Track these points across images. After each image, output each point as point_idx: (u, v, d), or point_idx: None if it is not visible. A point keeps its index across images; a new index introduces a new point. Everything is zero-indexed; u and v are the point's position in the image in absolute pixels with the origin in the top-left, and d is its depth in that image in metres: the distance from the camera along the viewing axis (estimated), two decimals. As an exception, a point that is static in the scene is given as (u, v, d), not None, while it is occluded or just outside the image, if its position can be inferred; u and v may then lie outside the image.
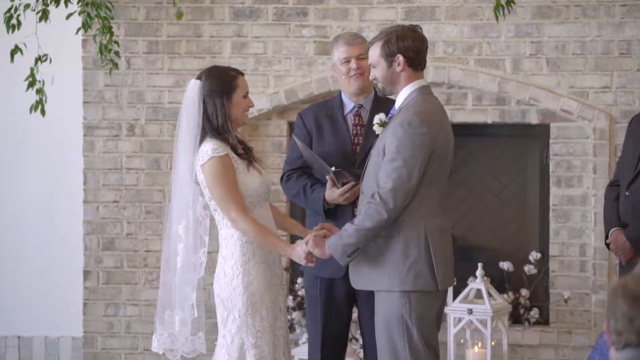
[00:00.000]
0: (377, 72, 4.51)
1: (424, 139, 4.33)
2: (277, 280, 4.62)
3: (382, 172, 4.35)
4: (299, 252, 4.49)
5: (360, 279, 4.51)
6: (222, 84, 4.54)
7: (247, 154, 4.60)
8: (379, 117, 4.64)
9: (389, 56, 4.45)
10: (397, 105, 4.52)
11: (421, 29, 4.56)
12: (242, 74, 4.64)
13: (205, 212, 4.62)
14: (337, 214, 4.95)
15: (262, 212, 4.61)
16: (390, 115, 4.60)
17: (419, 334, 4.40)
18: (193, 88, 4.56)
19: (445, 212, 4.56)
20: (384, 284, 4.42)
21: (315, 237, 4.50)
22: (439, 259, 4.41)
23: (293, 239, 5.93)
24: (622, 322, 2.80)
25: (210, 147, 4.48)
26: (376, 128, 4.63)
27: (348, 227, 4.38)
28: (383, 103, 5.08)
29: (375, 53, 4.49)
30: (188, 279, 4.61)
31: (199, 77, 4.61)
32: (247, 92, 4.64)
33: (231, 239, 4.53)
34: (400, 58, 4.44)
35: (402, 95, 4.48)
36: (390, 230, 4.39)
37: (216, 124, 4.52)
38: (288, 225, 4.94)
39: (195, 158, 4.52)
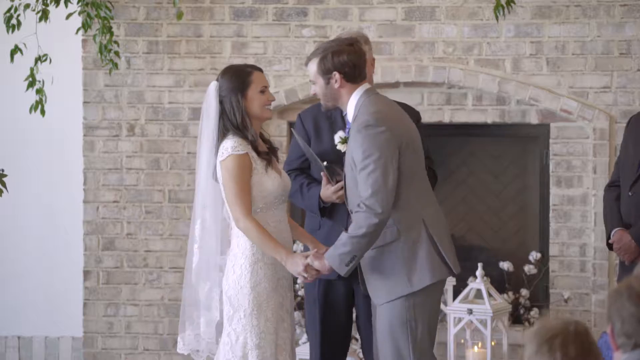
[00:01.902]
0: (317, 88, 4.50)
1: (385, 137, 4.32)
2: (285, 282, 4.59)
3: (359, 183, 4.34)
4: (297, 261, 4.44)
5: (376, 293, 4.49)
6: (235, 81, 4.55)
7: (268, 154, 4.59)
8: (338, 136, 4.61)
9: (325, 73, 4.44)
10: (350, 118, 4.50)
11: (359, 42, 4.53)
12: (259, 69, 4.62)
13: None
14: (333, 212, 4.95)
15: (278, 214, 4.59)
16: (347, 130, 4.60)
17: (423, 332, 4.42)
18: (211, 89, 4.58)
19: (434, 198, 4.56)
20: (395, 291, 4.41)
21: (316, 252, 4.49)
22: (445, 245, 4.44)
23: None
24: (631, 324, 2.78)
25: (230, 145, 4.48)
26: (340, 147, 4.61)
27: (342, 237, 4.37)
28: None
29: (312, 70, 4.48)
30: (209, 280, 4.60)
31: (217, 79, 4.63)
32: (265, 87, 4.61)
33: (242, 238, 4.52)
34: (336, 75, 4.43)
35: (351, 107, 4.47)
36: (392, 236, 4.39)
37: (235, 121, 4.52)
38: (298, 235, 4.89)
39: (217, 156, 4.53)
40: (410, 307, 4.39)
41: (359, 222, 4.30)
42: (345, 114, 5.01)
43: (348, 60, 4.42)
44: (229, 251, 4.58)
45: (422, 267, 4.38)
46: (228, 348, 4.51)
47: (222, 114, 4.54)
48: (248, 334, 4.47)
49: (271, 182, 4.54)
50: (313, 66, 4.47)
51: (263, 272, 4.50)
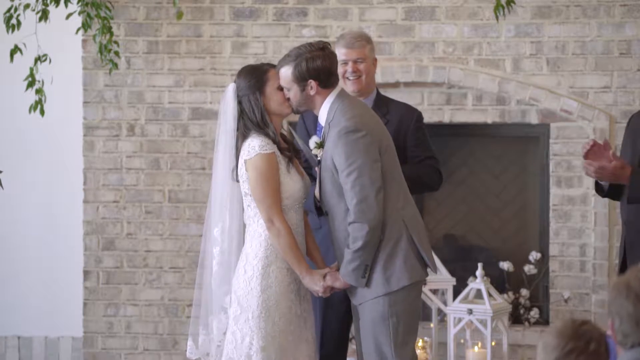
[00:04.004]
0: (291, 94, 4.48)
1: (367, 141, 4.34)
2: (294, 287, 4.55)
3: (345, 190, 4.35)
4: (315, 280, 4.45)
5: (355, 292, 4.50)
6: (252, 79, 4.53)
7: (289, 150, 4.57)
8: (313, 141, 4.59)
9: (301, 81, 4.43)
10: (322, 121, 4.51)
11: (329, 46, 4.51)
12: (274, 66, 4.58)
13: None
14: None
15: (297, 217, 4.56)
16: (319, 131, 4.61)
17: (404, 329, 4.44)
18: (229, 91, 4.57)
19: (411, 199, 4.57)
20: (375, 291, 4.43)
21: (332, 272, 4.48)
22: (424, 245, 4.47)
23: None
24: (629, 324, 2.80)
25: (257, 144, 4.46)
26: (315, 151, 4.58)
27: (347, 254, 4.39)
28: (384, 103, 5.08)
29: (286, 76, 4.46)
30: (225, 283, 4.60)
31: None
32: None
33: (258, 239, 4.50)
34: (312, 83, 4.43)
35: (324, 110, 4.47)
36: None
37: (255, 119, 4.50)
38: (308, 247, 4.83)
39: (241, 153, 4.50)
40: (391, 304, 4.41)
41: (355, 235, 4.33)
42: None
43: (322, 66, 4.42)
44: (244, 249, 4.56)
45: (401, 268, 4.40)
46: (232, 347, 4.50)
47: (242, 113, 4.53)
48: (254, 336, 4.45)
49: (293, 183, 4.52)
50: (287, 73, 4.45)
51: (275, 275, 4.48)
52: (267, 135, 4.49)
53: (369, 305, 4.45)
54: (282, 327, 4.49)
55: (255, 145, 4.46)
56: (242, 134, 4.53)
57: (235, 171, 4.55)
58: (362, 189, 4.30)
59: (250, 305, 4.47)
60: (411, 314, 4.48)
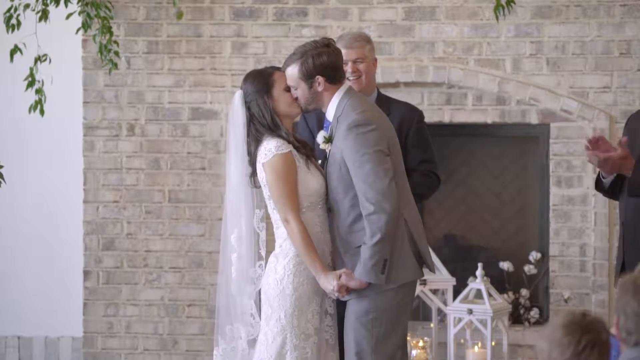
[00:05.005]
0: (299, 93, 4.49)
1: (376, 133, 4.35)
2: None
3: (357, 183, 4.34)
4: (329, 280, 4.42)
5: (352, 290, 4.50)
6: (259, 83, 4.54)
7: (305, 147, 4.58)
8: (322, 135, 4.59)
9: (308, 78, 4.44)
10: (330, 117, 4.51)
11: (334, 42, 4.53)
12: (279, 69, 4.59)
13: (262, 224, 4.61)
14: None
15: (322, 214, 4.56)
16: (326, 126, 4.60)
17: (387, 330, 4.42)
18: (237, 98, 4.57)
19: (413, 199, 4.56)
20: (373, 287, 4.42)
21: (347, 271, 4.44)
22: (423, 246, 4.48)
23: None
24: (633, 321, 2.81)
25: (273, 145, 4.47)
26: (323, 146, 4.58)
27: (364, 250, 4.36)
28: (386, 103, 5.07)
29: (293, 75, 4.47)
30: (245, 291, 4.60)
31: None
32: (288, 85, 4.56)
33: (287, 240, 4.51)
34: (320, 79, 4.43)
35: (332, 106, 4.48)
36: None
37: (266, 122, 4.51)
38: None
39: (257, 158, 4.50)
40: (378, 301, 4.40)
41: (372, 228, 4.31)
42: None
43: (328, 61, 4.43)
44: (273, 252, 4.57)
45: (399, 266, 4.40)
46: (263, 348, 4.50)
47: (251, 118, 4.53)
48: (288, 335, 4.46)
49: (315, 179, 4.52)
50: (293, 71, 4.46)
51: (306, 273, 4.48)
52: (280, 136, 4.50)
53: (357, 301, 4.44)
54: (316, 325, 4.51)
55: (271, 147, 4.47)
56: (254, 139, 4.54)
57: (254, 177, 4.56)
58: (376, 180, 4.30)
59: (282, 305, 4.47)
60: (398, 311, 4.46)
